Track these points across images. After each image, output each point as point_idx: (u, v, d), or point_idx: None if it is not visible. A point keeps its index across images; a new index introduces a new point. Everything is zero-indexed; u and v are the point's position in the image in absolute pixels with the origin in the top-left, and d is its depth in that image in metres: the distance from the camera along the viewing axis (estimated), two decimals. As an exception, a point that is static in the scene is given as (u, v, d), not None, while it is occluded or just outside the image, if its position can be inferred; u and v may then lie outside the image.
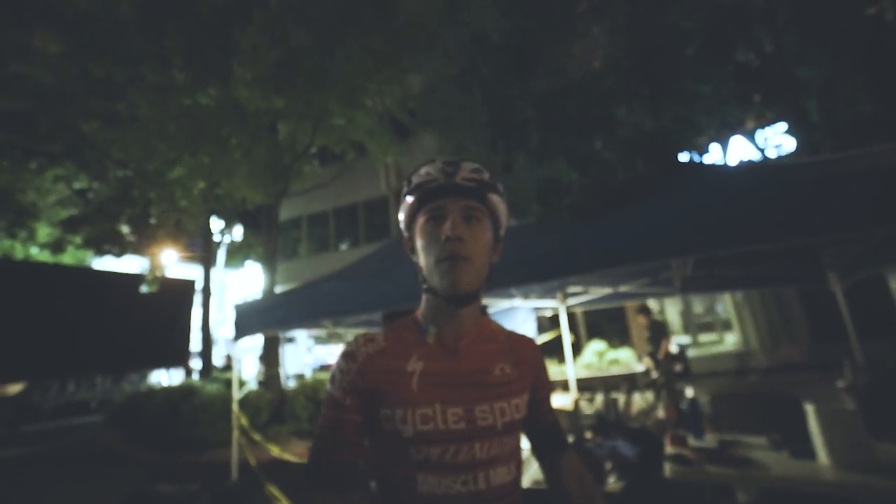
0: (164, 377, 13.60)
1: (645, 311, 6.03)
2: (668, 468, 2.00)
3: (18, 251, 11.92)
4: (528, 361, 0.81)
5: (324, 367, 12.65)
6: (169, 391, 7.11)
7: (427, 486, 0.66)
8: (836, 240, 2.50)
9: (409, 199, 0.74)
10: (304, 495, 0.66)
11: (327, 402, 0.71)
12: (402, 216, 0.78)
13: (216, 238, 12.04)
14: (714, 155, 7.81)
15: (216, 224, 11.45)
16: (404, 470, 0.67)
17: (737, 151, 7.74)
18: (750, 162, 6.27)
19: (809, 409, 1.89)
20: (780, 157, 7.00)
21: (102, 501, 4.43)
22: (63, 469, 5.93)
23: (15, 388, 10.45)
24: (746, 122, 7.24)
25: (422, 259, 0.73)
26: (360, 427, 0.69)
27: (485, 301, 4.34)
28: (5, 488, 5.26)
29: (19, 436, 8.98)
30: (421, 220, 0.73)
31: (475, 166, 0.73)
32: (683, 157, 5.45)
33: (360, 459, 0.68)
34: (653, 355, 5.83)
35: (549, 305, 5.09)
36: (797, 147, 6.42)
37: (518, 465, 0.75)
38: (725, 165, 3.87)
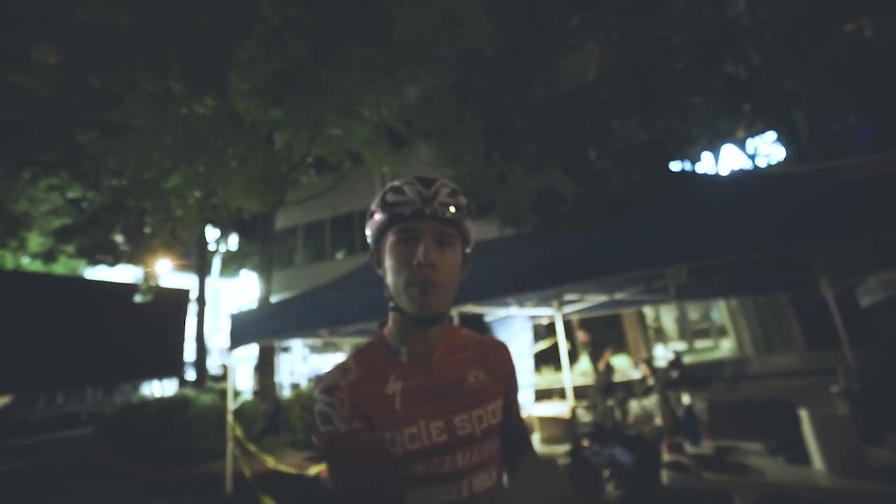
0: (157, 388, 13.38)
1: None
2: (665, 475, 2.00)
3: (9, 261, 11.77)
4: (501, 366, 0.82)
5: (319, 377, 12.48)
6: (162, 402, 6.99)
7: (413, 501, 0.65)
8: (828, 248, 2.55)
9: (380, 215, 0.72)
10: None
11: (333, 441, 0.65)
12: (369, 230, 0.76)
13: (211, 247, 11.98)
14: (706, 164, 7.95)
15: (211, 233, 11.40)
16: (392, 488, 0.66)
17: (728, 160, 7.88)
18: (741, 171, 6.39)
19: (803, 414, 1.91)
20: (770, 166, 7.14)
21: (92, 517, 4.33)
22: (52, 484, 5.79)
23: (1, 401, 10.23)
24: (737, 131, 7.39)
25: (389, 277, 0.72)
26: (377, 442, 0.65)
27: (480, 310, 4.35)
28: (-9, 504, 5.13)
29: (5, 450, 8.76)
30: (391, 239, 0.71)
31: (452, 189, 0.72)
32: (676, 166, 5.55)
33: (391, 475, 0.64)
34: (649, 361, 5.88)
35: (545, 314, 5.12)
36: (786, 156, 6.56)
37: (498, 469, 0.75)
38: (717, 175, 3.95)
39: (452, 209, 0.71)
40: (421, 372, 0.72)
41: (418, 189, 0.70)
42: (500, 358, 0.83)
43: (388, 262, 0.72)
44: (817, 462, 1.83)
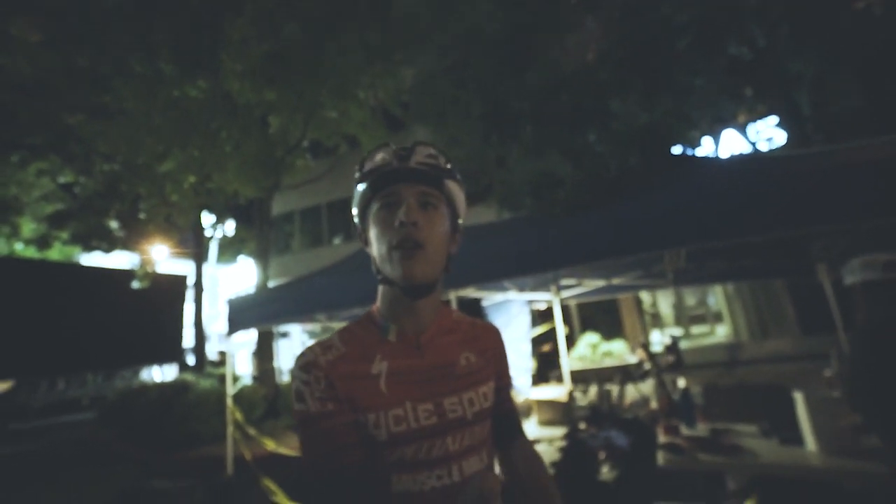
0: (157, 373, 13.49)
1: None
2: (660, 457, 2.03)
3: (2, 247, 11.66)
4: (493, 349, 0.80)
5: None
6: (162, 387, 7.05)
7: (402, 486, 0.64)
8: (826, 231, 2.53)
9: (362, 186, 0.70)
10: None
11: (304, 421, 0.63)
12: (355, 208, 0.74)
13: (208, 233, 11.88)
14: (706, 148, 7.87)
15: (207, 219, 11.29)
16: (379, 473, 0.65)
17: (729, 145, 7.81)
18: (742, 154, 6.33)
19: (798, 397, 1.93)
20: (771, 150, 7.07)
21: (97, 498, 4.41)
22: (55, 467, 5.87)
23: (2, 386, 10.30)
24: (738, 115, 7.29)
25: (374, 248, 0.70)
26: (352, 426, 0.63)
27: (479, 294, 4.35)
28: (-4, 487, 5.20)
29: (7, 434, 8.86)
30: (374, 207, 0.69)
31: (431, 151, 0.69)
32: (676, 150, 5.48)
33: (365, 461, 0.63)
34: (646, 346, 5.91)
35: (542, 298, 5.12)
36: (788, 140, 6.49)
37: (489, 452, 0.74)
38: (717, 158, 3.90)
39: (431, 167, 0.69)
40: (410, 352, 0.70)
41: (395, 150, 0.69)
42: (492, 341, 0.82)
43: (373, 232, 0.69)
44: (810, 443, 1.85)
